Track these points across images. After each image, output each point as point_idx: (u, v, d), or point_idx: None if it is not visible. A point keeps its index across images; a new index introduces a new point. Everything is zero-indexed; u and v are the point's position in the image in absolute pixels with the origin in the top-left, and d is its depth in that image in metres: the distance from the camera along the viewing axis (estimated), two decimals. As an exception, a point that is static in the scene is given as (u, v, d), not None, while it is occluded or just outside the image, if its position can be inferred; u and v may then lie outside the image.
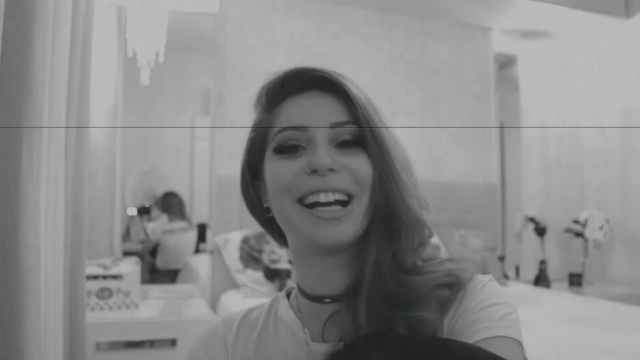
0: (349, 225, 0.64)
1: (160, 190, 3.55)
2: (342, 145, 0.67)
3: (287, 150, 0.68)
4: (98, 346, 2.01)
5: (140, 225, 3.43)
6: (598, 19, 3.30)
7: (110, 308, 2.18)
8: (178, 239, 3.48)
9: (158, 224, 3.39)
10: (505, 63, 3.79)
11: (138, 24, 2.84)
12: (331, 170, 0.64)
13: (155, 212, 3.49)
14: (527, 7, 3.14)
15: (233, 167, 2.91)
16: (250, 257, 2.59)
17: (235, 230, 2.72)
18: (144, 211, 3.48)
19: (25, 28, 1.08)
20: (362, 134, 0.67)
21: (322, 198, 0.64)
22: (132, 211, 3.46)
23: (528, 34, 3.67)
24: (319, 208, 0.64)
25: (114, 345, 2.03)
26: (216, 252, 2.76)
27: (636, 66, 3.24)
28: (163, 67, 2.96)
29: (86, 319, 1.63)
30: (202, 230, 3.49)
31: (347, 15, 3.20)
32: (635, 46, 3.25)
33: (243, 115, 2.97)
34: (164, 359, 2.10)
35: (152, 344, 2.08)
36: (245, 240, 2.64)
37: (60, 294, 1.35)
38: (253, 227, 2.73)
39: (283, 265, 2.57)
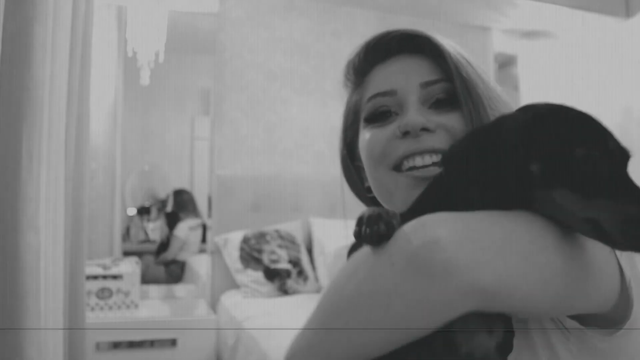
0: None
1: (160, 190, 3.55)
2: (437, 105, 0.62)
3: (378, 118, 0.64)
4: (98, 346, 2.01)
5: (140, 225, 3.43)
6: (598, 19, 3.30)
7: (110, 308, 2.18)
8: (196, 235, 3.48)
9: (186, 223, 3.39)
10: (505, 63, 3.78)
11: (138, 24, 2.84)
12: (425, 129, 0.60)
13: (154, 212, 3.48)
14: (527, 7, 3.14)
15: (233, 167, 2.91)
16: (250, 257, 2.59)
17: (235, 230, 2.72)
18: (144, 211, 3.48)
19: (25, 28, 1.08)
20: (457, 91, 0.62)
21: (419, 162, 0.60)
22: (132, 211, 3.45)
23: (528, 34, 3.67)
24: (416, 170, 0.60)
25: (114, 345, 2.03)
26: (216, 252, 2.76)
27: (636, 66, 3.24)
28: (163, 67, 2.96)
29: (86, 319, 1.63)
30: (202, 230, 3.49)
31: (347, 15, 3.20)
32: (635, 46, 3.25)
33: (243, 115, 2.97)
34: (164, 359, 2.10)
35: (152, 344, 2.08)
36: (245, 240, 2.64)
37: (60, 294, 1.35)
38: (253, 227, 2.74)
39: (283, 265, 2.57)
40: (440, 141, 0.60)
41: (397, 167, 0.61)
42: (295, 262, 2.62)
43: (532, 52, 3.79)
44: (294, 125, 3.00)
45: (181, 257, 3.37)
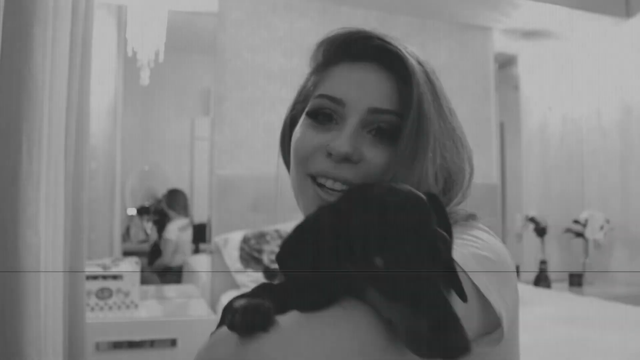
0: None
1: (160, 190, 3.55)
2: (376, 133, 0.61)
3: (319, 118, 0.64)
4: (98, 346, 2.00)
5: (140, 225, 3.43)
6: (598, 19, 3.30)
7: (110, 308, 2.18)
8: (186, 235, 3.48)
9: (175, 224, 3.39)
10: (505, 63, 3.78)
11: (138, 23, 2.84)
12: (347, 160, 0.60)
13: (152, 212, 3.48)
14: (527, 7, 3.14)
15: (233, 167, 2.91)
16: (250, 257, 2.59)
17: (235, 230, 2.72)
18: (144, 211, 3.48)
19: (25, 28, 1.08)
20: (405, 126, 0.60)
21: (329, 184, 0.61)
22: (132, 211, 3.45)
23: (528, 34, 3.67)
24: (324, 190, 0.61)
25: (114, 345, 2.03)
26: (216, 252, 2.76)
27: (636, 66, 3.24)
28: (163, 67, 2.95)
29: (86, 319, 1.63)
30: (202, 230, 3.49)
31: (347, 15, 3.20)
32: (635, 46, 3.25)
33: (243, 115, 2.97)
34: (164, 359, 2.10)
35: (152, 344, 2.08)
36: (245, 240, 2.64)
37: (60, 294, 1.35)
38: (253, 227, 2.74)
39: (283, 265, 2.57)
40: (358, 175, 0.60)
41: (312, 177, 0.63)
42: (295, 262, 2.62)
43: (532, 52, 3.79)
44: (294, 125, 2.99)
45: (176, 261, 3.37)
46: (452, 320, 0.43)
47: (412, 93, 0.60)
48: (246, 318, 0.46)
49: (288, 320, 0.47)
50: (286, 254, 0.52)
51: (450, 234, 0.51)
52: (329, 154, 0.61)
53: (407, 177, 0.59)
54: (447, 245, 0.49)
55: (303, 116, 0.67)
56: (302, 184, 0.64)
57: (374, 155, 0.61)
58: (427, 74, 0.63)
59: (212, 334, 0.53)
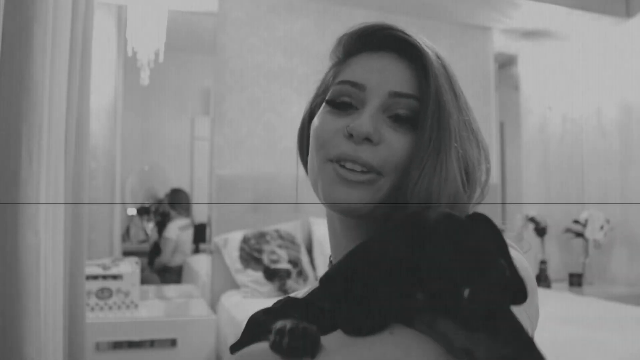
0: (369, 193, 0.59)
1: (160, 190, 3.55)
2: (396, 118, 0.61)
3: (339, 105, 0.63)
4: (98, 346, 2.01)
5: (140, 225, 3.43)
6: (598, 19, 3.30)
7: (110, 308, 2.18)
8: (187, 235, 3.48)
9: (175, 223, 3.39)
10: (505, 63, 3.78)
11: (138, 23, 2.84)
12: (368, 140, 0.59)
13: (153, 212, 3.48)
14: (527, 7, 3.14)
15: (233, 167, 2.91)
16: (250, 257, 2.59)
17: (235, 230, 2.72)
18: (144, 211, 3.48)
19: (25, 28, 1.08)
20: (421, 111, 0.60)
21: (349, 166, 0.60)
22: (132, 211, 3.45)
23: (528, 34, 3.67)
24: (342, 169, 0.60)
25: (114, 345, 2.03)
26: (216, 252, 2.76)
27: (636, 66, 3.24)
28: (163, 67, 2.96)
29: (86, 319, 1.63)
30: (202, 230, 3.49)
31: (347, 15, 3.20)
32: (635, 46, 3.25)
33: (243, 115, 2.97)
34: (164, 359, 2.10)
35: (152, 344, 2.08)
36: (245, 240, 2.64)
37: (60, 294, 1.35)
38: (253, 227, 2.74)
39: (283, 265, 2.57)
40: (378, 157, 0.59)
41: (331, 160, 0.62)
42: (295, 262, 2.62)
43: (532, 52, 3.80)
44: (294, 125, 2.98)
45: (176, 261, 3.37)
46: (530, 349, 0.42)
47: (430, 84, 0.60)
48: (293, 342, 0.45)
49: (334, 343, 0.46)
50: (338, 274, 0.50)
51: (507, 254, 0.50)
52: (350, 135, 0.60)
53: (436, 170, 0.58)
54: (513, 271, 0.47)
55: (322, 105, 0.66)
56: (322, 167, 0.63)
57: (395, 139, 0.60)
58: (445, 68, 0.63)
59: (233, 347, 0.52)
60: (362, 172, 0.59)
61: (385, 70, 0.63)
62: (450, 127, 0.60)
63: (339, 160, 0.61)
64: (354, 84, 0.63)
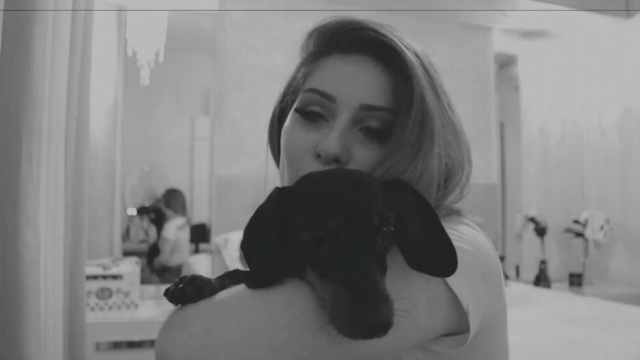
0: None
1: (160, 190, 3.55)
2: (367, 131, 0.58)
3: (309, 115, 0.60)
4: (98, 346, 2.01)
5: (140, 225, 3.43)
6: (598, 19, 3.30)
7: (110, 308, 2.18)
8: (184, 234, 3.49)
9: (173, 223, 3.39)
10: (505, 63, 3.78)
11: (138, 23, 2.84)
12: (336, 161, 0.58)
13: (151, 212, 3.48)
14: (527, 7, 3.14)
15: (233, 167, 2.91)
16: (250, 257, 2.59)
17: (235, 230, 2.72)
18: (144, 211, 3.48)
19: (25, 28, 1.08)
20: (400, 118, 0.56)
21: None
22: (132, 211, 3.45)
23: (528, 34, 3.67)
24: None
25: (114, 345, 2.03)
26: (216, 252, 2.76)
27: (636, 66, 3.24)
28: (163, 67, 2.96)
29: (86, 319, 1.63)
30: (202, 230, 3.49)
31: (347, 15, 3.20)
32: (635, 46, 3.25)
33: (243, 115, 2.97)
34: (164, 359, 2.10)
35: (152, 343, 2.08)
36: (245, 240, 2.64)
37: (60, 294, 1.35)
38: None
39: (283, 265, 2.57)
40: None
41: None
42: (295, 262, 2.62)
43: (532, 52, 3.80)
44: (294, 125, 2.99)
45: (175, 260, 3.37)
46: (373, 295, 0.42)
47: (413, 89, 0.56)
48: (180, 289, 0.50)
49: (225, 294, 0.50)
50: (245, 240, 0.55)
51: (431, 218, 0.51)
52: (318, 156, 0.58)
53: (407, 173, 0.56)
54: (387, 222, 0.48)
55: (292, 111, 0.64)
56: (290, 182, 0.63)
57: (364, 157, 0.58)
58: (425, 68, 0.60)
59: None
60: None
61: (357, 78, 0.59)
62: (434, 132, 0.57)
63: None
64: (323, 94, 0.60)
